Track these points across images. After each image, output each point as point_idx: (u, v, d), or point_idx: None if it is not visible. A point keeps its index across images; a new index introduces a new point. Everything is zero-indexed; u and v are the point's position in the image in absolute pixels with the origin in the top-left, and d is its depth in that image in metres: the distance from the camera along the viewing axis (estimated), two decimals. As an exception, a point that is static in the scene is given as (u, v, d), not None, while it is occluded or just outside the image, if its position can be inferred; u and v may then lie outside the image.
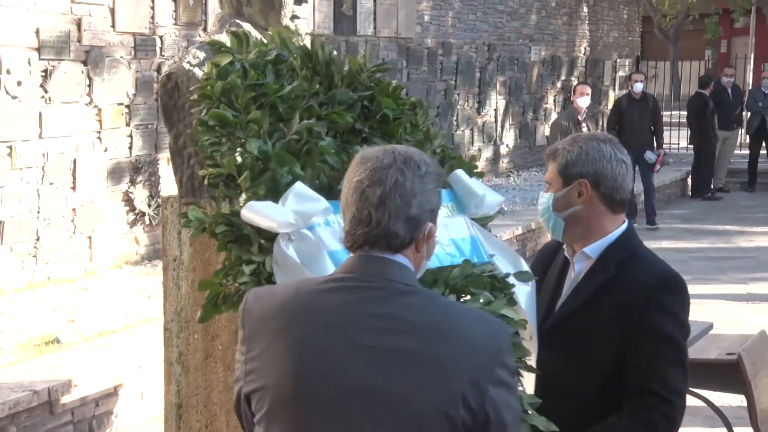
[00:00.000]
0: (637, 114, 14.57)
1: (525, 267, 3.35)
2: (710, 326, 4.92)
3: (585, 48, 20.30)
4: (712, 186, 17.63)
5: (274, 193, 3.00)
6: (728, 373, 5.35)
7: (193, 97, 3.45)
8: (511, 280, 3.21)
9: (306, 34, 4.63)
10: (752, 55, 24.19)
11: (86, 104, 9.46)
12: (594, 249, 3.31)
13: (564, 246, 3.42)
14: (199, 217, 3.07)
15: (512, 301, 3.18)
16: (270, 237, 2.93)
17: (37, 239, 9.07)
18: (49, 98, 9.12)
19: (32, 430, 6.08)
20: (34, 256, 9.07)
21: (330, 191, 3.05)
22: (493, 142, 16.75)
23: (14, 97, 8.76)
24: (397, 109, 3.50)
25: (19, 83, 8.79)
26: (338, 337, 2.36)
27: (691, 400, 5.91)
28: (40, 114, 9.04)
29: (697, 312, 8.34)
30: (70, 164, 9.37)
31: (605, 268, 3.26)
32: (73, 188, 9.39)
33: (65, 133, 9.28)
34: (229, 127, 3.18)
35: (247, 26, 3.98)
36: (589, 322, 3.24)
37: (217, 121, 3.20)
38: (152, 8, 10.16)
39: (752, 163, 18.53)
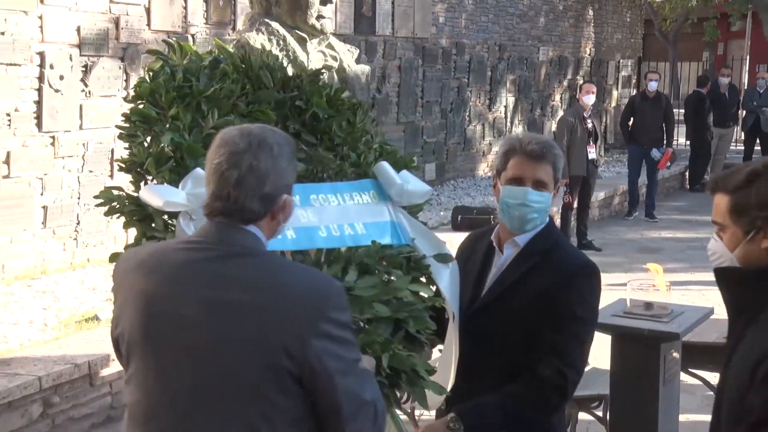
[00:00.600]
0: (648, 111, 14.42)
1: (446, 251, 3.41)
2: (711, 311, 4.89)
3: (590, 49, 20.20)
4: (703, 180, 17.54)
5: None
6: (723, 356, 5.34)
7: (125, 97, 3.60)
8: (429, 261, 3.31)
9: (330, 33, 4.63)
10: (748, 57, 24.15)
11: (123, 97, 9.47)
12: (522, 238, 3.39)
13: (492, 237, 3.50)
14: (111, 198, 3.21)
15: (430, 281, 3.31)
16: (174, 216, 3.06)
17: (78, 223, 9.12)
18: (89, 92, 9.14)
19: (74, 400, 6.17)
20: (75, 239, 9.11)
21: None
22: (502, 137, 16.68)
23: (57, 91, 8.79)
24: (331, 109, 3.53)
25: (61, 77, 8.82)
26: (181, 290, 2.51)
27: (689, 380, 5.92)
28: (81, 106, 9.06)
29: (695, 298, 8.36)
30: (108, 153, 9.38)
31: (531, 254, 3.37)
32: (111, 176, 9.38)
33: (104, 125, 9.27)
34: (150, 123, 3.29)
35: (275, 25, 3.99)
36: (516, 302, 3.31)
37: (138, 117, 3.32)
38: (185, 8, 10.14)
39: (746, 158, 18.42)
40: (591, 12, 20.29)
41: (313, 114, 3.46)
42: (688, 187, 17.55)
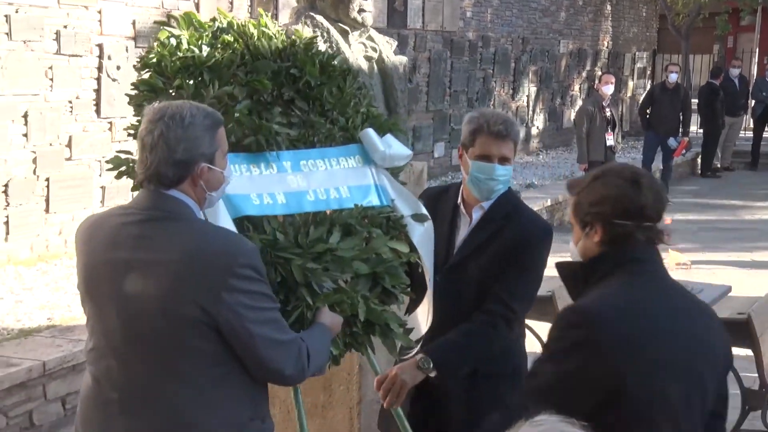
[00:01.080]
0: (667, 102, 14.33)
1: (423, 211, 3.57)
2: (729, 289, 4.91)
3: (608, 42, 20.15)
4: (714, 165, 17.51)
5: None
6: (739, 330, 5.34)
7: (134, 65, 3.56)
8: (407, 220, 3.48)
9: (370, 26, 4.66)
10: (757, 50, 24.01)
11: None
12: (487, 203, 3.61)
13: (459, 201, 3.70)
14: (120, 162, 3.22)
15: (407, 238, 3.47)
16: None
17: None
18: (144, 80, 9.19)
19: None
20: (129, 215, 9.16)
21: (237, 146, 3.21)
22: (525, 125, 16.72)
23: (114, 80, 8.89)
24: (323, 76, 3.55)
25: (117, 68, 8.91)
26: (110, 251, 2.70)
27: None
28: (134, 94, 9.12)
29: (706, 277, 8.35)
30: (158, 138, 9.44)
31: (494, 218, 3.61)
32: (161, 158, 9.46)
33: (156, 111, 9.36)
34: (156, 92, 3.27)
35: (319, 18, 3.99)
36: (483, 260, 3.55)
37: (146, 87, 3.31)
38: (231, 3, 10.17)
39: (755, 145, 18.40)
40: (609, 7, 20.22)
41: (306, 82, 3.48)
42: (700, 172, 17.49)
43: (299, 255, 3.05)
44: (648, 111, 14.73)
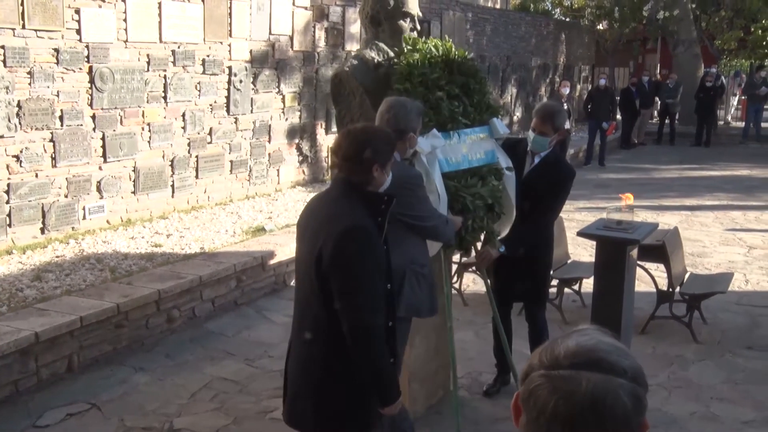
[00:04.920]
0: (600, 98, 14.20)
1: (510, 164, 3.88)
2: (657, 225, 4.84)
3: (563, 59, 19.75)
4: (632, 141, 17.31)
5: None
6: (656, 252, 5.31)
7: (398, 67, 3.73)
8: (504, 171, 3.84)
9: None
10: (658, 64, 23.95)
11: (276, 93, 9.50)
12: (541, 155, 4.05)
13: (528, 149, 4.06)
14: None
15: (505, 181, 3.83)
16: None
17: (250, 171, 9.19)
18: (257, 89, 9.16)
19: (253, 278, 6.25)
20: (248, 179, 9.18)
21: (442, 126, 3.61)
22: (509, 115, 16.49)
23: (238, 89, 8.84)
24: (474, 81, 3.84)
25: (240, 81, 8.86)
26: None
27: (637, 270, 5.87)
28: (252, 99, 9.07)
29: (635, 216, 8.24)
30: (267, 128, 9.40)
31: (544, 161, 4.04)
32: (269, 141, 9.45)
33: (265, 110, 9.32)
34: (406, 93, 3.57)
35: (382, 45, 3.90)
36: (540, 179, 4.00)
37: (402, 89, 3.61)
38: (313, 36, 10.05)
39: (660, 128, 18.08)
40: (563, 36, 19.82)
41: (465, 83, 3.78)
42: (622, 146, 17.19)
43: (463, 191, 3.57)
44: (589, 106, 14.56)
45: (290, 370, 2.59)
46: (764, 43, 19.92)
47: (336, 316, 2.33)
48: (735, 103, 21.21)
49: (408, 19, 3.84)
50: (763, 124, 18.11)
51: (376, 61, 3.76)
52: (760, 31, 19.67)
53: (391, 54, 3.82)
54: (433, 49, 3.74)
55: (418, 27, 3.92)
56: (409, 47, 3.75)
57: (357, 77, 3.69)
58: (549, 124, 3.95)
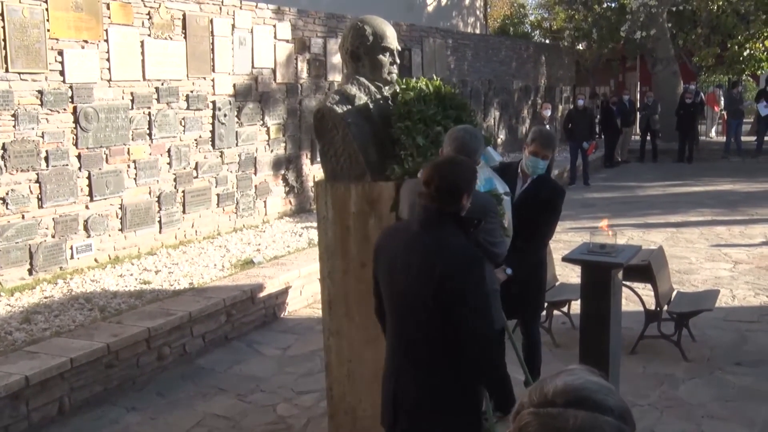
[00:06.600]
0: (580, 118, 14.35)
1: (507, 189, 3.96)
2: (639, 248, 4.92)
3: (544, 80, 19.97)
4: (615, 159, 17.50)
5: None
6: (643, 272, 5.37)
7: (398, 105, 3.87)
8: (503, 196, 3.87)
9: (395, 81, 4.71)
10: (638, 83, 24.19)
11: (261, 125, 9.54)
12: (533, 177, 4.30)
13: (519, 171, 4.31)
14: (397, 173, 3.67)
15: (504, 206, 3.89)
16: None
17: (236, 203, 9.19)
18: (241, 123, 9.23)
19: (242, 312, 6.24)
20: (235, 212, 9.19)
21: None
22: (493, 137, 16.62)
23: (222, 123, 8.87)
24: (465, 114, 3.97)
25: (225, 115, 8.89)
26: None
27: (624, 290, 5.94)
28: (236, 132, 9.12)
29: (618, 237, 8.28)
30: (252, 160, 9.42)
31: (535, 183, 4.30)
32: (255, 173, 9.47)
33: (250, 142, 9.36)
34: (407, 130, 3.75)
35: (362, 80, 3.95)
36: (529, 200, 4.23)
37: (403, 126, 3.75)
38: (296, 68, 10.13)
39: (642, 146, 18.28)
40: (544, 58, 20.05)
41: (458, 116, 3.91)
42: (604, 165, 17.37)
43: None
44: (569, 125, 14.66)
45: (406, 399, 2.63)
46: (740, 58, 20.33)
47: (454, 338, 2.50)
48: (719, 111, 21.49)
49: (387, 54, 3.88)
50: (743, 138, 18.45)
51: (356, 96, 3.83)
52: (736, 47, 20.07)
53: (373, 88, 3.88)
54: (424, 87, 3.85)
55: (398, 61, 3.99)
56: (402, 86, 3.86)
57: (339, 111, 3.75)
58: (549, 148, 4.26)
